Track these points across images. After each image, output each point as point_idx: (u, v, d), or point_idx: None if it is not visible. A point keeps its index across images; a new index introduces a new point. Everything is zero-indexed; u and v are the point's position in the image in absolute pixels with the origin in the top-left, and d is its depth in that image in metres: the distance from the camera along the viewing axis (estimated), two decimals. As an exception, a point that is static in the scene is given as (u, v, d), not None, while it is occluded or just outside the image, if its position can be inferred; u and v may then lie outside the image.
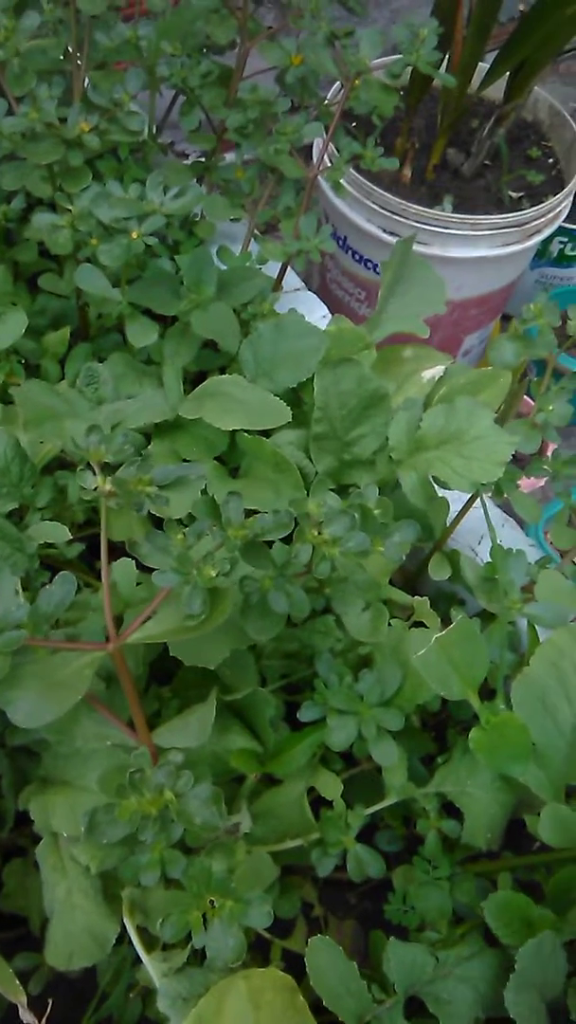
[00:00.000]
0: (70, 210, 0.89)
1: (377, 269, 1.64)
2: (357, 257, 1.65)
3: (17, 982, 0.61)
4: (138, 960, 0.77)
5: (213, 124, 1.11)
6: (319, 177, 1.01)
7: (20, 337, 0.91)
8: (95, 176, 1.00)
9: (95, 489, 0.56)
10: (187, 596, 0.55)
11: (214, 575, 0.56)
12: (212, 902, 0.57)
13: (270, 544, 0.66)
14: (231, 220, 1.13)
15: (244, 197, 1.09)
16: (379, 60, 1.17)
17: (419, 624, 0.86)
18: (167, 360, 0.93)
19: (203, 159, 1.14)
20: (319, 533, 0.60)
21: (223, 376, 0.87)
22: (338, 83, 1.28)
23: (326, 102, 1.10)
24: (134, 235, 0.82)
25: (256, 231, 1.09)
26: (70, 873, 0.65)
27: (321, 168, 1.01)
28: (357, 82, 0.98)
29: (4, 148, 0.88)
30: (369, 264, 1.64)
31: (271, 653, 0.88)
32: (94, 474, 0.56)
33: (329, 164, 1.01)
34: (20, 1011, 0.60)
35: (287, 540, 0.65)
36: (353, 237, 1.60)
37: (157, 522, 0.99)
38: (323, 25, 0.96)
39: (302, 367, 0.83)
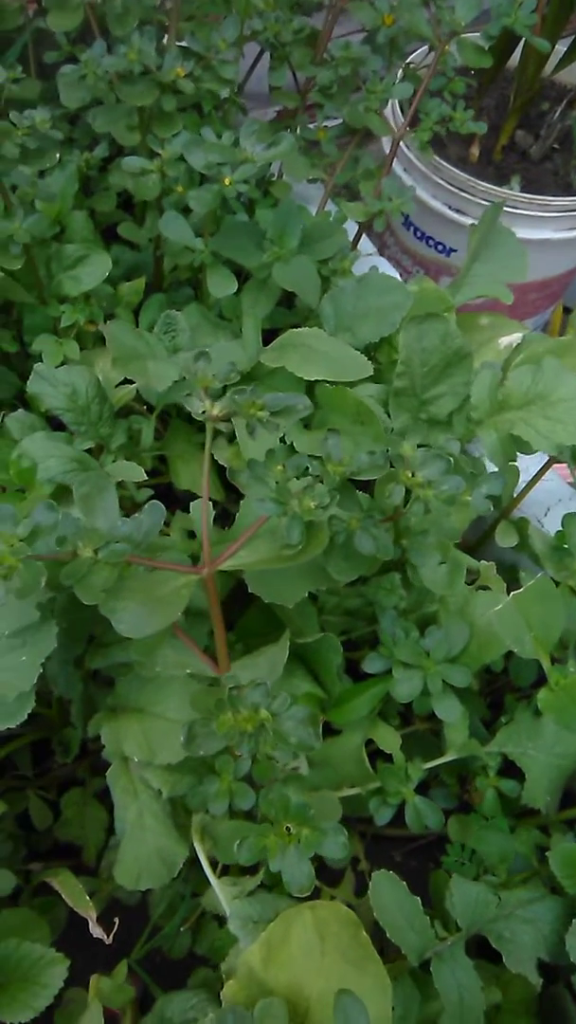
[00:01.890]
0: (160, 155, 0.90)
1: (439, 247, 1.63)
2: (419, 234, 1.64)
3: (87, 898, 0.62)
4: (196, 892, 0.78)
5: (298, 83, 1.10)
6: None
7: (102, 281, 0.92)
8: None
9: (203, 413, 0.57)
10: (286, 526, 0.56)
11: (313, 507, 0.56)
12: (288, 829, 0.58)
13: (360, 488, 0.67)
14: (308, 181, 1.13)
15: (323, 158, 1.09)
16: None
17: (483, 588, 0.86)
18: (245, 311, 0.93)
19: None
20: (413, 475, 0.60)
21: (303, 329, 0.87)
22: (423, 47, 1.27)
23: (411, 65, 1.09)
24: (227, 181, 0.82)
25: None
26: (141, 796, 0.66)
27: (405, 129, 1.01)
28: (447, 47, 0.97)
29: (99, 90, 0.89)
30: (431, 242, 1.63)
31: (332, 608, 0.89)
32: (201, 399, 0.57)
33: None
34: (90, 925, 0.62)
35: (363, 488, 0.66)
36: (417, 214, 1.59)
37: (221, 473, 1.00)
38: (420, -16, 0.96)
39: (385, 322, 0.83)
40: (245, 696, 0.52)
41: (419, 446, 0.76)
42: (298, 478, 0.60)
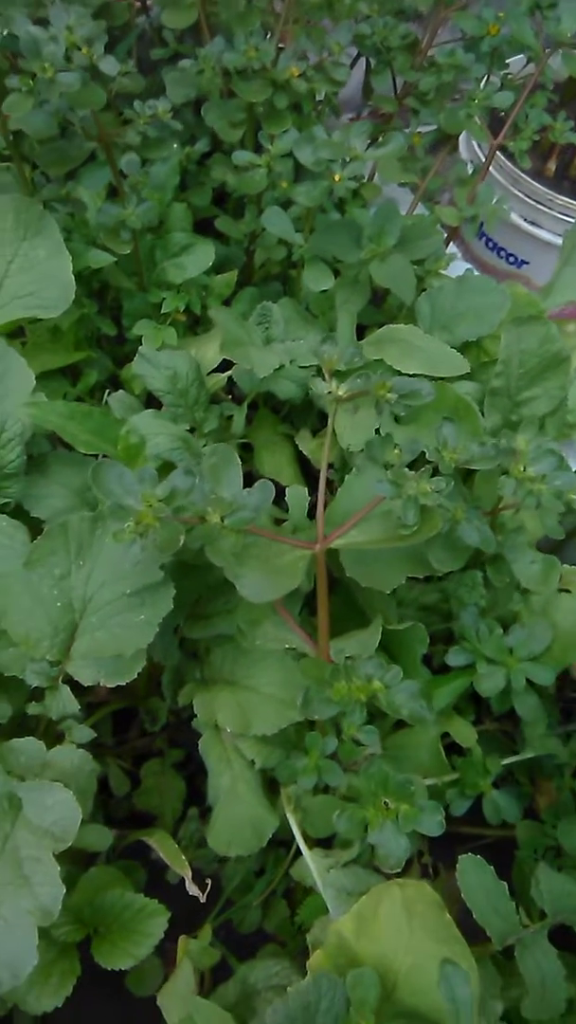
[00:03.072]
0: (268, 150, 0.92)
1: (510, 259, 1.64)
2: (490, 245, 1.65)
3: (184, 858, 0.64)
4: (263, 869, 0.80)
5: (396, 88, 1.13)
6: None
7: (204, 271, 0.95)
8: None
9: (328, 394, 0.58)
10: (402, 507, 0.58)
11: (430, 490, 0.58)
12: (386, 803, 0.59)
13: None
14: (399, 184, 1.15)
15: (417, 162, 1.11)
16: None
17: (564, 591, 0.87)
18: (339, 306, 0.95)
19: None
20: (524, 469, 0.62)
21: (400, 325, 0.89)
22: (519, 57, 1.29)
23: (508, 75, 1.11)
24: (336, 178, 0.84)
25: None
26: (235, 765, 0.68)
27: (502, 137, 1.02)
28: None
29: (210, 85, 0.92)
30: (502, 253, 1.64)
31: (410, 602, 0.90)
32: (325, 380, 0.58)
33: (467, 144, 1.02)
34: (187, 884, 0.63)
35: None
36: (491, 225, 1.61)
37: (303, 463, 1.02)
38: (529, -4, 0.97)
39: (484, 322, 0.85)
40: (359, 667, 0.54)
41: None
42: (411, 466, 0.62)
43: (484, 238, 1.66)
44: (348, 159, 0.87)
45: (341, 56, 0.92)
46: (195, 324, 1.12)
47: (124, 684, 0.84)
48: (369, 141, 1.12)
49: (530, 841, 0.79)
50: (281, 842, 0.81)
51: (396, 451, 0.59)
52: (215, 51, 0.90)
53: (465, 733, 0.82)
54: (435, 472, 0.60)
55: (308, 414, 1.07)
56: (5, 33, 0.75)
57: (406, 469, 0.61)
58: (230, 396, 1.03)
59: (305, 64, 0.92)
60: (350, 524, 0.61)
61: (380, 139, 1.11)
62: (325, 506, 0.62)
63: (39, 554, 0.62)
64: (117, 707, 0.85)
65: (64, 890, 0.52)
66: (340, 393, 0.59)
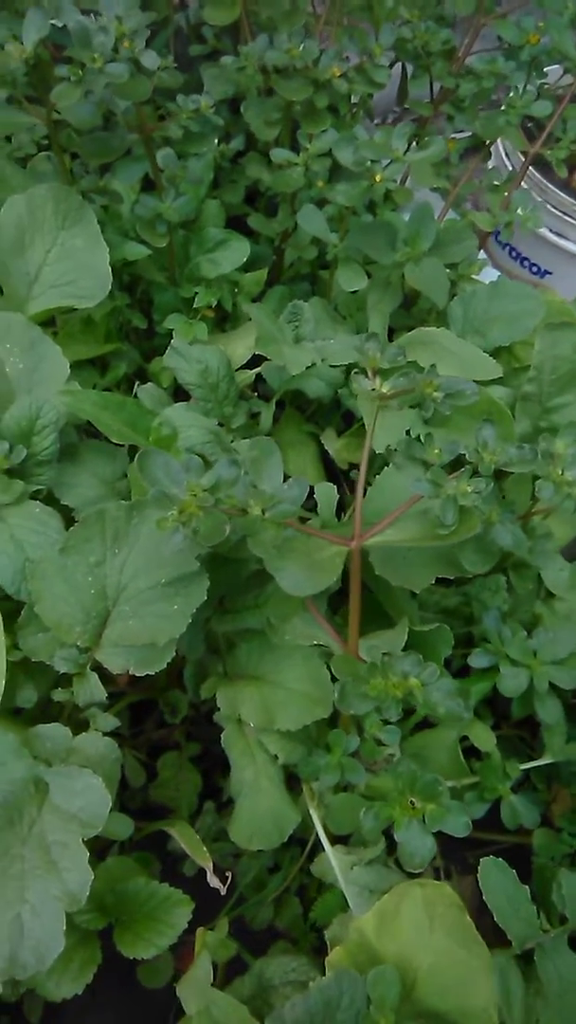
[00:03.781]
0: (307, 149, 0.93)
1: (533, 268, 1.64)
2: (514, 254, 1.66)
3: (205, 849, 0.64)
4: (278, 865, 0.80)
5: (432, 94, 1.13)
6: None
7: (238, 266, 0.95)
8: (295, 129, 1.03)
9: (371, 391, 0.59)
10: (441, 507, 0.58)
11: (469, 491, 0.58)
12: (413, 803, 0.59)
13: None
14: (431, 189, 1.16)
15: (449, 168, 1.11)
16: None
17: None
18: (370, 308, 0.96)
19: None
20: (563, 473, 0.62)
21: (432, 328, 0.89)
22: (555, 67, 1.29)
23: (545, 85, 1.11)
24: (378, 178, 0.85)
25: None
26: (258, 759, 0.68)
27: (539, 146, 1.03)
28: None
29: (256, 82, 0.92)
30: (525, 262, 1.64)
31: (431, 606, 0.90)
32: (370, 378, 0.59)
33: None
34: (208, 875, 0.63)
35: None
36: (525, 230, 1.61)
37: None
38: (570, 6, 0.98)
39: (517, 328, 0.85)
40: (395, 664, 0.54)
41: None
42: (446, 467, 0.62)
43: (508, 248, 1.66)
44: (388, 161, 0.87)
45: (382, 59, 0.93)
46: (223, 321, 1.12)
47: (146, 676, 0.84)
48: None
49: (546, 847, 0.79)
50: (296, 840, 0.82)
51: (436, 451, 0.60)
52: (258, 49, 0.90)
53: (484, 737, 0.82)
54: (472, 474, 0.60)
55: (333, 414, 1.07)
56: (53, 23, 0.76)
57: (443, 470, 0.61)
58: (256, 394, 1.04)
59: (346, 65, 0.92)
60: (387, 522, 0.61)
61: (417, 143, 1.11)
62: (359, 505, 0.62)
63: (75, 541, 0.62)
64: (136, 699, 0.85)
65: (92, 876, 0.52)
66: (384, 390, 0.59)
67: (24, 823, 0.56)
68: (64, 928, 0.51)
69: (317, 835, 0.76)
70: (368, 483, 0.91)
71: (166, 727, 0.89)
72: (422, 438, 0.62)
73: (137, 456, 0.54)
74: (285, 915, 0.80)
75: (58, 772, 0.57)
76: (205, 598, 0.61)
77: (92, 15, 0.84)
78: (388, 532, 0.61)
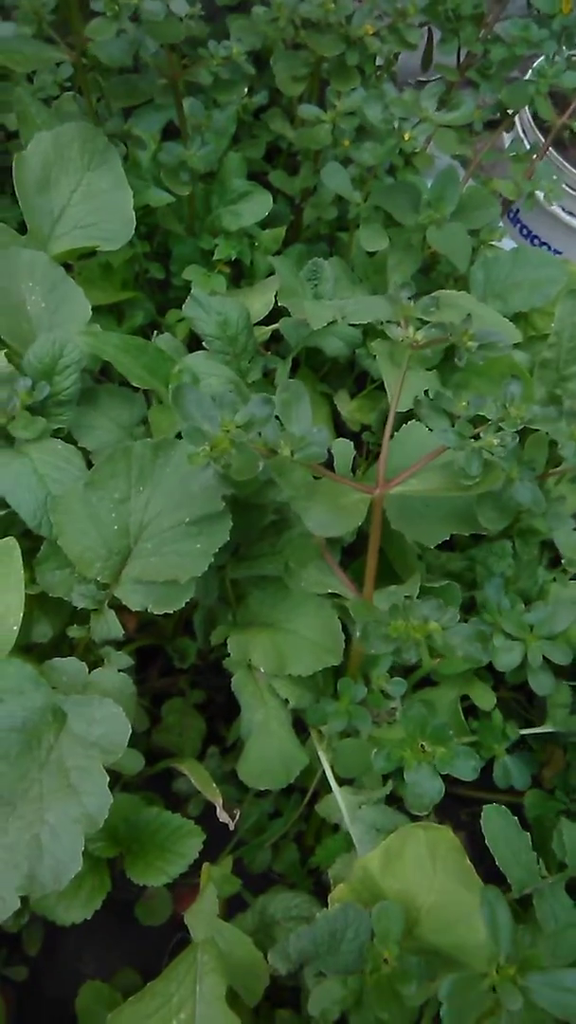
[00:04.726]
0: (335, 106, 0.92)
1: (544, 248, 1.64)
2: (525, 232, 1.66)
3: (215, 786, 0.65)
4: (279, 811, 0.81)
5: (459, 60, 1.12)
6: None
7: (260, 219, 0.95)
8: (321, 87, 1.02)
9: (403, 340, 0.59)
10: (466, 459, 0.59)
11: (496, 443, 0.58)
12: (423, 746, 0.61)
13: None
14: (452, 156, 1.15)
15: (472, 135, 1.11)
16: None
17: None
18: (391, 269, 0.96)
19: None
20: (583, 433, 0.62)
21: (453, 291, 0.89)
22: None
23: (573, 57, 1.11)
24: (406, 136, 0.84)
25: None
26: (268, 703, 0.69)
27: (566, 120, 1.03)
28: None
29: (287, 33, 0.91)
30: (536, 241, 1.64)
31: (436, 568, 0.91)
32: (403, 327, 0.59)
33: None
34: (217, 810, 0.65)
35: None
36: (527, 211, 1.61)
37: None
38: (604, -23, 0.97)
39: (538, 294, 0.86)
40: (416, 608, 0.55)
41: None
42: (471, 422, 0.62)
43: (520, 225, 1.66)
44: (417, 120, 0.87)
45: (415, 19, 0.92)
46: (238, 279, 1.12)
47: (154, 623, 0.85)
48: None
49: (537, 806, 0.81)
50: (296, 788, 0.83)
51: (463, 404, 0.60)
52: (291, 1, 0.89)
53: (485, 697, 0.84)
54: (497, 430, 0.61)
55: (347, 376, 1.07)
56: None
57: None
58: (268, 351, 1.04)
59: (380, 23, 0.91)
60: (411, 471, 0.62)
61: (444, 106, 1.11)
62: (385, 454, 0.63)
63: (100, 476, 0.63)
64: (143, 644, 0.85)
65: (111, 799, 0.53)
66: (417, 338, 0.59)
67: (42, 749, 0.56)
68: (82, 849, 0.52)
69: (318, 782, 0.78)
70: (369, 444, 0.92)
71: (170, 675, 0.90)
72: (461, 390, 0.63)
73: (172, 389, 0.54)
74: (283, 860, 0.82)
75: (77, 701, 0.58)
76: (228, 538, 0.62)
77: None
78: (411, 482, 0.62)
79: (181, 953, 0.59)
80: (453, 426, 0.60)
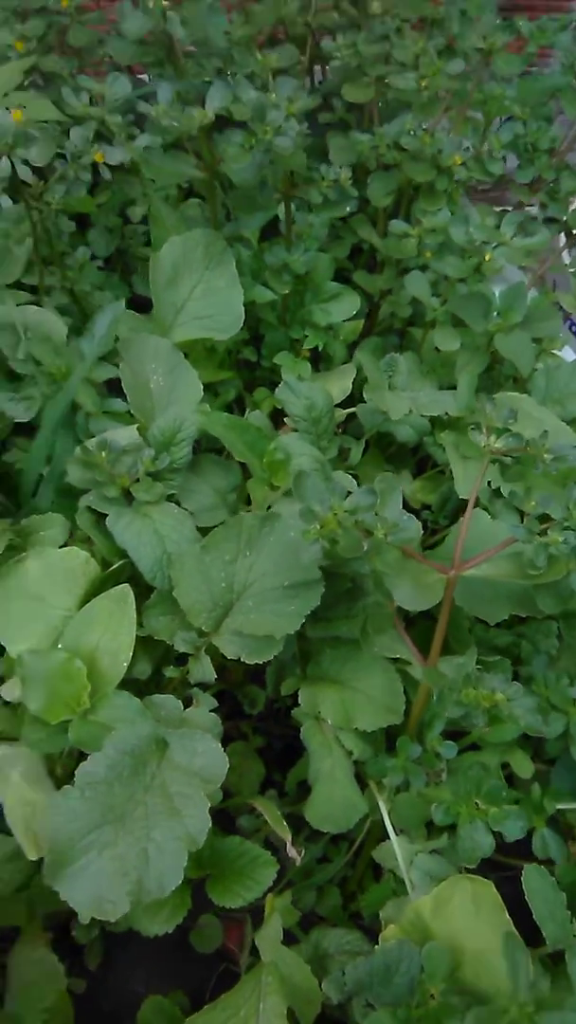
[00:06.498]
0: (421, 222, 1.04)
1: (572, 328, 1.74)
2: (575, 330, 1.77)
3: (285, 824, 0.73)
4: (328, 857, 0.88)
5: (531, 183, 1.25)
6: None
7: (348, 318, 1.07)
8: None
9: (484, 446, 0.69)
10: (534, 551, 0.68)
11: (560, 540, 0.67)
12: (477, 804, 0.68)
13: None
14: (519, 267, 1.27)
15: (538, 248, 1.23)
16: None
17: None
18: (460, 368, 1.06)
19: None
20: None
21: (515, 393, 1.00)
22: None
23: None
24: (487, 257, 0.96)
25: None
26: (335, 753, 0.77)
27: (625, 245, 1.14)
28: None
29: (387, 158, 1.04)
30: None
31: (485, 642, 0.99)
32: (485, 434, 0.69)
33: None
34: (288, 847, 0.72)
35: None
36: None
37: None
38: None
39: (595, 404, 0.95)
40: (486, 679, 0.64)
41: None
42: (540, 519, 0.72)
43: (569, 323, 1.78)
44: (496, 243, 0.98)
45: (498, 152, 1.05)
46: (316, 361, 1.23)
47: (226, 669, 0.93)
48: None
49: (570, 874, 0.87)
50: (343, 836, 0.90)
51: (532, 503, 0.70)
52: (392, 131, 1.02)
53: (524, 765, 0.91)
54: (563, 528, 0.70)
55: (410, 458, 1.18)
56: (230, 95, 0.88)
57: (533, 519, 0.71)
58: (342, 431, 1.14)
59: (467, 154, 1.04)
60: (483, 557, 0.71)
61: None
62: (461, 539, 0.72)
63: (215, 541, 0.73)
64: (215, 690, 0.94)
65: (210, 823, 0.61)
66: (497, 445, 0.69)
67: (147, 774, 0.65)
68: (185, 864, 0.60)
69: (368, 831, 0.85)
70: (450, 524, 1.02)
71: (231, 719, 0.98)
72: (507, 491, 0.72)
73: (295, 475, 0.64)
74: (326, 903, 0.88)
75: (179, 734, 0.67)
76: (319, 603, 0.71)
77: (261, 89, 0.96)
78: (483, 567, 0.71)
79: (248, 972, 0.66)
80: (523, 521, 0.69)
